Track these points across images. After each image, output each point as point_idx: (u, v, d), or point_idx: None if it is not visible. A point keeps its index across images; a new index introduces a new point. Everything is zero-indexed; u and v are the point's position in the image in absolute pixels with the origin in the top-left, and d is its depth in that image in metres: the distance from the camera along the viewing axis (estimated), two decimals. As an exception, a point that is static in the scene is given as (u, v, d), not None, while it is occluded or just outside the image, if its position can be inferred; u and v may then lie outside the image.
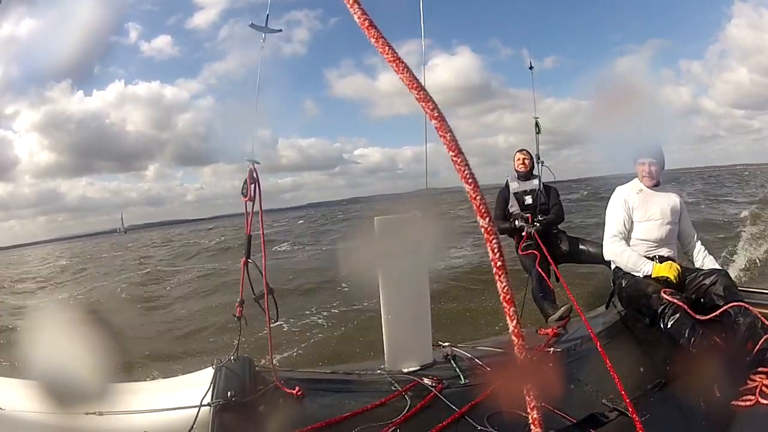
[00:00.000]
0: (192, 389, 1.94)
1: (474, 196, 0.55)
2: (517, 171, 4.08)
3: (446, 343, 2.56)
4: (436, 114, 0.56)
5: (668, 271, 2.68)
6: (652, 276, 2.70)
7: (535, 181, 3.98)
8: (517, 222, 3.88)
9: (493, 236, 0.55)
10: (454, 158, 0.55)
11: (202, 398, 1.85)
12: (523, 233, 3.81)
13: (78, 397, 1.80)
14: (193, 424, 1.76)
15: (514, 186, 4.05)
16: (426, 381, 2.17)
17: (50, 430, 1.70)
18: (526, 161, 4.03)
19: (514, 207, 4.03)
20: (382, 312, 2.34)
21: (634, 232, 2.91)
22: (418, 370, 2.33)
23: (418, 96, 0.56)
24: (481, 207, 0.55)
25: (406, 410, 1.96)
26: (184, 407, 1.85)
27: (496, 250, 0.56)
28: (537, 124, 4.11)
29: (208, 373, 2.02)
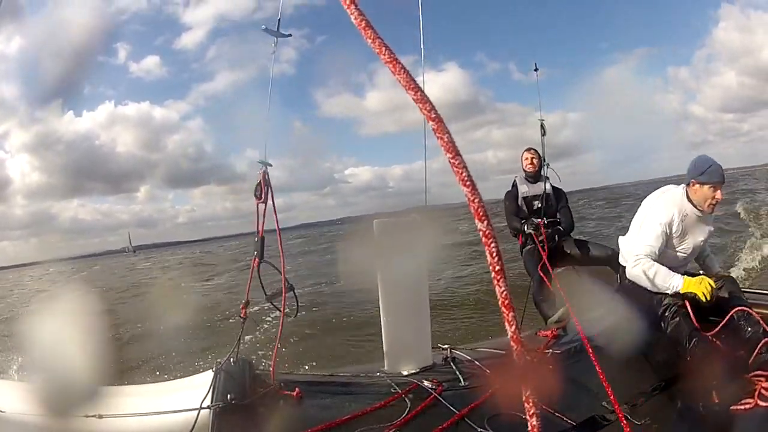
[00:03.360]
0: (192, 392, 1.93)
1: (472, 198, 0.54)
2: (525, 171, 4.00)
3: (446, 346, 2.55)
4: (434, 115, 0.55)
5: (697, 287, 2.44)
6: (681, 291, 2.50)
7: (544, 185, 3.92)
8: (526, 228, 3.81)
9: (491, 240, 0.54)
10: (452, 160, 0.54)
11: (202, 401, 1.85)
12: (530, 233, 3.76)
13: (78, 400, 1.80)
14: (193, 426, 1.76)
15: (523, 189, 3.98)
16: (426, 383, 2.17)
17: None
18: (534, 161, 3.95)
19: (521, 212, 3.97)
20: (381, 314, 2.34)
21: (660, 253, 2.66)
22: (417, 372, 2.33)
23: (415, 97, 0.56)
24: (479, 210, 0.54)
25: (405, 413, 1.96)
26: (183, 410, 1.85)
27: (494, 254, 0.55)
28: (542, 126, 4.02)
29: (207, 375, 2.02)
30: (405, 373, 2.32)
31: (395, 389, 2.13)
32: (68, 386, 1.75)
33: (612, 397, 1.78)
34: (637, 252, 2.65)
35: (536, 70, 4.31)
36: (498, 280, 0.56)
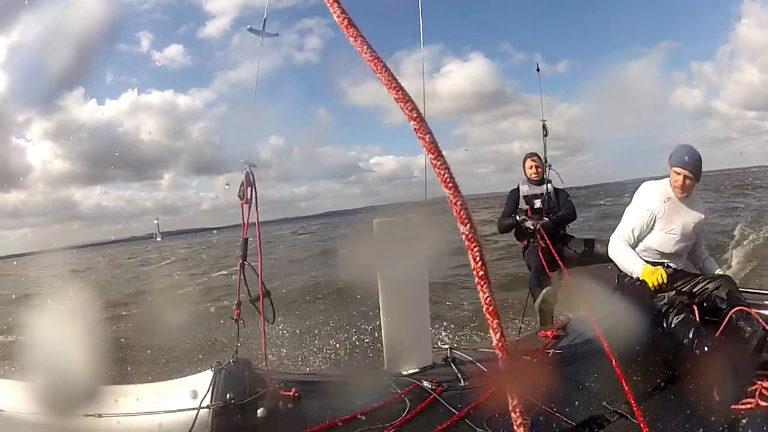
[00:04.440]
0: (191, 392, 1.94)
1: (454, 201, 0.52)
2: (529, 178, 3.94)
3: (446, 346, 2.55)
4: (415, 115, 0.54)
5: (650, 276, 2.57)
6: (640, 278, 2.63)
7: (546, 186, 3.87)
8: (518, 217, 3.77)
9: (474, 244, 0.52)
10: (434, 161, 0.53)
11: (201, 400, 1.85)
12: (530, 228, 3.69)
13: (78, 400, 1.81)
14: (192, 426, 1.76)
15: (524, 189, 3.93)
16: (425, 383, 2.17)
17: None
18: (539, 169, 3.89)
19: (521, 212, 3.90)
20: (381, 314, 2.34)
21: (647, 240, 2.79)
22: (417, 372, 2.33)
23: (396, 96, 0.55)
24: (461, 213, 0.52)
25: (405, 413, 1.95)
26: (183, 409, 1.85)
27: (477, 259, 0.52)
28: (544, 127, 3.91)
29: (207, 375, 2.02)
30: (405, 373, 2.32)
31: (395, 389, 2.13)
32: (68, 386, 1.76)
33: (631, 400, 1.72)
34: (613, 234, 2.83)
35: (538, 70, 4.24)
36: (482, 286, 0.53)
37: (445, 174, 0.53)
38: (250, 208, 2.19)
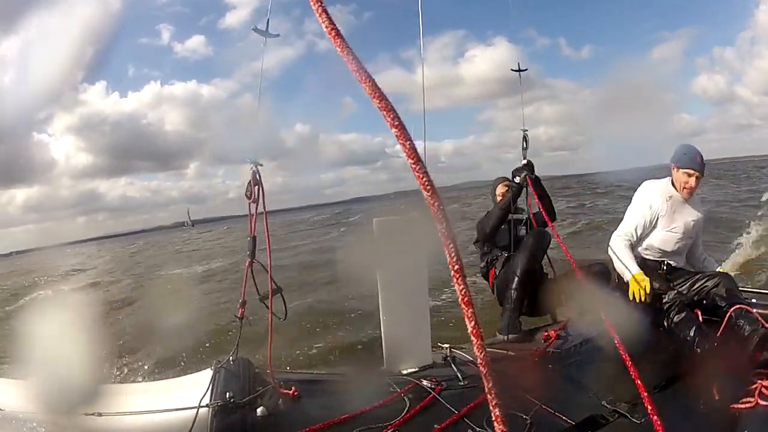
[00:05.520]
0: (191, 390, 1.95)
1: (432, 202, 0.58)
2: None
3: (445, 345, 2.55)
4: (397, 123, 0.59)
5: (633, 285, 2.59)
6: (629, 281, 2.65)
7: (523, 215, 3.42)
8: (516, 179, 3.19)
9: (450, 241, 0.59)
10: (413, 165, 0.59)
11: (201, 399, 1.86)
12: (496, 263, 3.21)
13: (78, 398, 1.82)
14: (192, 425, 1.77)
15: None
16: (425, 382, 2.17)
17: (50, 431, 1.71)
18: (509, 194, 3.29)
19: (503, 241, 3.33)
20: (380, 313, 2.34)
21: (650, 238, 2.82)
22: (417, 371, 2.33)
23: (380, 105, 0.59)
24: (438, 213, 0.58)
25: (405, 412, 1.95)
26: (182, 408, 1.86)
27: (453, 254, 0.59)
28: (525, 138, 3.27)
29: (207, 374, 2.03)
30: (404, 372, 2.32)
31: (394, 388, 2.13)
32: (69, 384, 1.77)
33: (643, 390, 1.61)
34: (615, 233, 2.85)
35: (519, 70, 3.53)
36: (457, 279, 0.60)
37: (423, 177, 0.59)
38: (257, 206, 2.21)
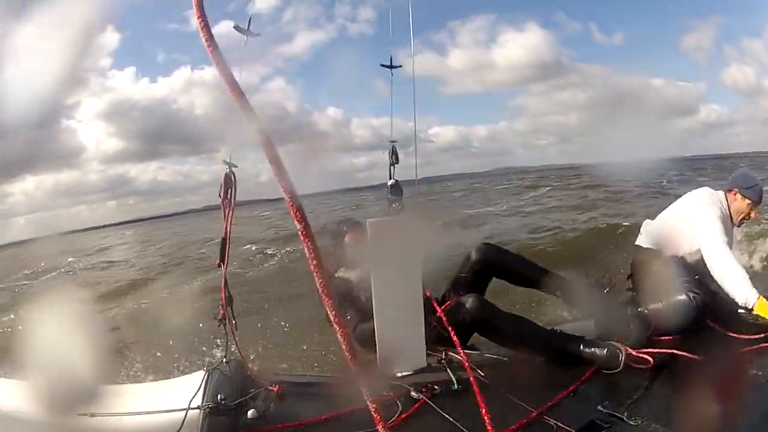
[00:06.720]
0: (183, 392, 1.95)
1: (291, 203, 0.69)
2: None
3: (441, 348, 2.52)
4: (262, 132, 0.70)
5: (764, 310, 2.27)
6: (753, 312, 2.31)
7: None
8: None
9: (308, 239, 0.70)
10: (276, 171, 0.68)
11: (190, 401, 1.87)
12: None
13: (71, 399, 1.83)
14: (181, 426, 1.78)
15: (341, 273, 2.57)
16: (418, 386, 2.15)
17: (41, 430, 1.72)
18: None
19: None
20: (374, 315, 2.32)
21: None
22: (410, 375, 2.31)
23: (247, 115, 0.71)
24: (297, 214, 0.69)
25: (396, 416, 1.94)
26: (173, 410, 1.86)
27: (311, 251, 0.71)
28: (394, 151, 2.69)
29: (198, 376, 2.03)
30: (398, 375, 2.30)
31: (387, 392, 2.11)
32: (62, 384, 1.77)
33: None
34: (712, 237, 2.51)
35: (390, 66, 2.76)
36: (316, 272, 0.72)
37: (283, 183, 0.69)
38: (230, 210, 2.19)
